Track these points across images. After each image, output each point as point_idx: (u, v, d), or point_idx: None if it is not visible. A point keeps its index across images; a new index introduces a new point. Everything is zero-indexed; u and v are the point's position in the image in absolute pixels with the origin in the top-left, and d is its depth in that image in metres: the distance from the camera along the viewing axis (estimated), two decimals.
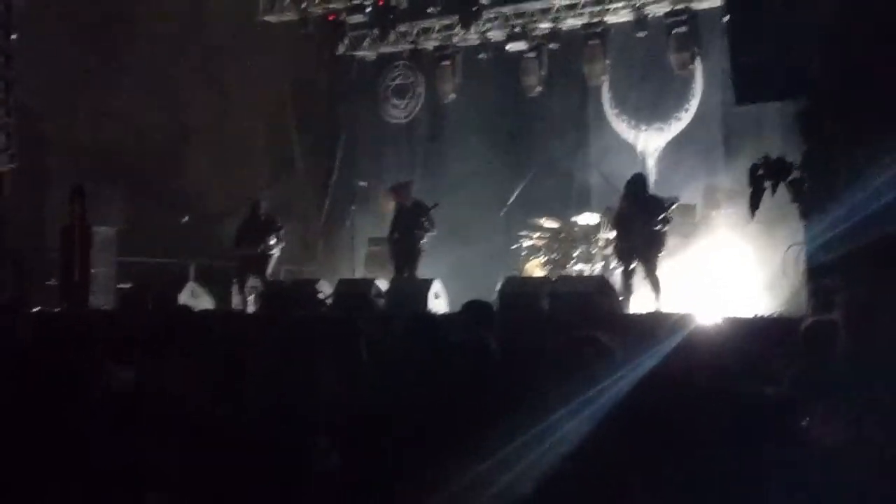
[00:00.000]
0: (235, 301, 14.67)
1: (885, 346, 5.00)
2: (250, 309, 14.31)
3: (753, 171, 5.71)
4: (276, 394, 5.78)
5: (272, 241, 14.72)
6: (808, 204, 5.53)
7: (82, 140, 16.72)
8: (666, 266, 12.81)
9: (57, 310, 14.28)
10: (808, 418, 4.69)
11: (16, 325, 6.88)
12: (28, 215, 16.02)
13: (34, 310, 13.25)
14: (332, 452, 5.28)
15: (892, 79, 5.56)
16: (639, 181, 12.85)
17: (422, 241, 14.23)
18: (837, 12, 5.85)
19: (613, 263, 13.73)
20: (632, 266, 12.55)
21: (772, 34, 6.73)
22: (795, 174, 5.50)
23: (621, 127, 17.37)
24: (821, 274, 6.11)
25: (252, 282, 14.69)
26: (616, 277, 13.17)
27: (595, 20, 17.29)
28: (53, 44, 15.90)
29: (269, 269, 14.84)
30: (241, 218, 15.03)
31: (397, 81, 19.81)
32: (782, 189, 6.55)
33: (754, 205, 5.76)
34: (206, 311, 12.66)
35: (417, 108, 19.56)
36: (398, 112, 19.77)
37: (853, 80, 5.71)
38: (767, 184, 5.65)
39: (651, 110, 17.06)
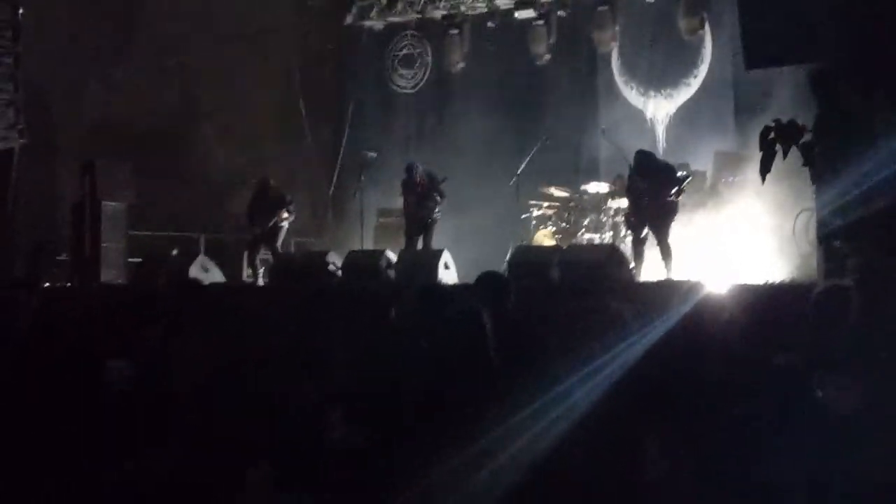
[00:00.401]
0: (246, 274, 14.71)
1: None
2: (261, 282, 14.34)
3: (765, 134, 5.67)
4: (286, 366, 5.80)
5: (284, 215, 14.74)
6: (820, 168, 5.49)
7: (92, 115, 16.72)
8: (677, 234, 12.79)
9: (68, 284, 14.34)
10: (821, 389, 4.69)
11: (31, 301, 6.92)
12: (39, 191, 16.03)
13: (45, 285, 13.35)
14: (344, 425, 5.31)
15: None
16: (643, 160, 12.71)
17: (436, 212, 14.22)
18: None
19: (624, 232, 13.70)
20: (643, 234, 12.51)
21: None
22: (807, 137, 5.45)
23: (630, 94, 17.29)
24: (832, 239, 6.08)
25: (262, 254, 14.73)
26: (627, 246, 13.14)
27: None
28: (62, 19, 15.87)
29: (279, 242, 14.86)
30: (250, 195, 15.03)
31: (404, 51, 19.74)
32: (794, 154, 6.49)
33: (765, 168, 5.71)
34: (216, 285, 12.71)
35: (425, 78, 19.50)
36: (405, 82, 19.71)
37: (867, 45, 5.66)
38: (779, 147, 5.60)
39: (660, 76, 16.96)
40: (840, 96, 5.43)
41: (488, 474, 4.60)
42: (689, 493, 4.76)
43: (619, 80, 17.44)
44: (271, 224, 14.63)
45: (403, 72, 19.71)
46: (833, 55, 5.73)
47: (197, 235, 16.60)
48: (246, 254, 14.83)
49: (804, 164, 5.52)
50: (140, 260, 14.94)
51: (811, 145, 5.43)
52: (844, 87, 5.47)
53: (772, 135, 5.62)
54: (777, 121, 5.65)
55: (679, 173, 12.73)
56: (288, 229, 15.10)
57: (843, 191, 5.43)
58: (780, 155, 5.63)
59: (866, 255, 5.49)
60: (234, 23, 17.78)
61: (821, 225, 6.05)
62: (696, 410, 4.96)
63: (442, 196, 14.20)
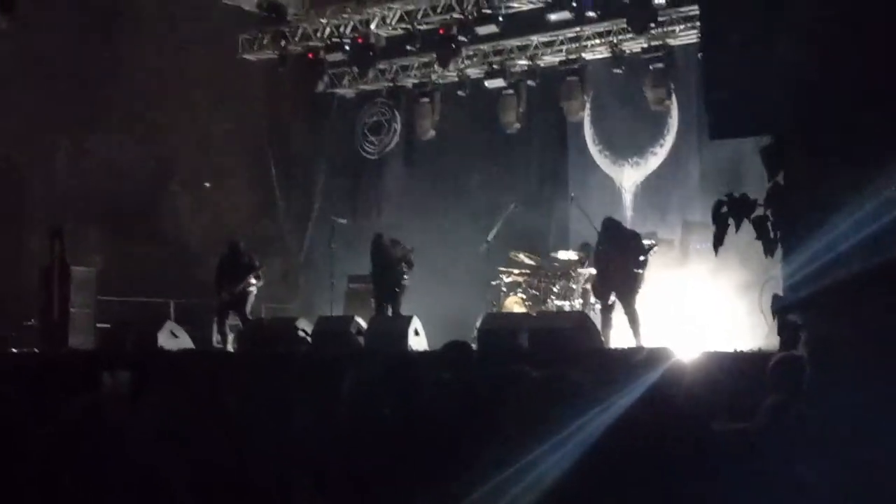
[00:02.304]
0: (216, 340, 14.58)
1: (847, 380, 5.03)
2: (230, 347, 14.26)
3: (717, 207, 5.76)
4: (253, 433, 5.77)
5: (252, 281, 14.67)
6: (773, 242, 5.57)
7: (62, 181, 16.71)
8: (647, 300, 12.87)
9: (35, 350, 14.22)
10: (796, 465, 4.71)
11: None
12: (7, 256, 15.96)
13: (12, 350, 13.23)
14: (315, 493, 5.28)
15: (854, 120, 5.64)
16: (611, 226, 12.87)
17: (404, 278, 14.25)
18: (791, 48, 5.93)
19: (593, 299, 13.77)
20: (610, 302, 12.59)
21: (744, 71, 6.80)
22: (759, 211, 5.55)
23: (604, 162, 17.49)
24: (786, 311, 6.16)
25: (231, 320, 14.64)
26: (596, 313, 13.20)
27: (573, 56, 17.46)
28: (32, 85, 15.91)
29: (248, 308, 14.78)
30: (219, 258, 14.95)
31: (374, 118, 19.92)
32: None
33: (718, 241, 5.79)
34: (185, 351, 12.65)
35: (392, 144, 19.67)
36: (373, 148, 19.87)
37: (816, 120, 5.78)
38: (731, 221, 5.69)
39: (628, 145, 17.19)
40: (788, 170, 5.54)
41: None
42: None
43: (592, 148, 17.65)
44: (240, 289, 14.54)
45: (372, 138, 19.88)
46: (783, 128, 5.85)
47: (167, 301, 16.53)
48: (215, 319, 14.73)
49: (756, 238, 5.60)
50: (108, 325, 14.86)
51: (763, 219, 5.52)
52: (795, 159, 5.58)
53: (724, 208, 5.71)
54: (729, 195, 5.75)
55: (646, 242, 12.85)
56: (258, 294, 15.03)
57: (799, 264, 5.52)
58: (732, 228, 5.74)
59: (819, 328, 5.56)
60: (207, 89, 17.89)
61: (775, 298, 6.13)
62: (659, 479, 4.95)
63: (410, 265, 14.24)
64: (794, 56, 5.88)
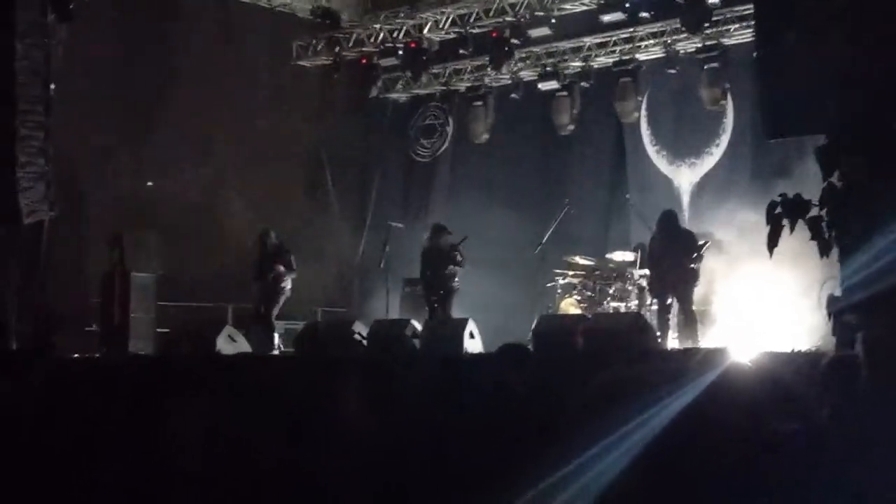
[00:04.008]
0: (255, 340, 14.37)
1: None
2: (276, 350, 14.27)
3: (771, 208, 5.70)
4: (309, 436, 5.82)
5: (281, 269, 14.45)
6: (827, 242, 5.51)
7: (120, 187, 16.93)
8: (702, 300, 12.79)
9: (97, 355, 14.40)
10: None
11: (31, 374, 6.95)
12: (68, 263, 16.19)
13: (73, 355, 13.41)
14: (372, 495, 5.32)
15: None
16: (670, 218, 12.88)
17: (454, 280, 14.23)
18: (849, 50, 5.87)
19: (649, 300, 13.70)
20: (667, 302, 12.52)
21: (799, 70, 6.74)
22: (814, 211, 5.48)
23: (661, 163, 17.39)
24: (843, 312, 6.08)
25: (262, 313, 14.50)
26: (652, 314, 13.13)
27: (626, 58, 17.38)
28: (91, 93, 16.14)
29: (276, 309, 14.55)
30: (253, 254, 14.83)
31: (427, 122, 19.98)
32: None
33: (772, 243, 5.73)
34: (242, 354, 12.76)
35: (444, 148, 19.71)
36: (425, 151, 19.93)
37: (872, 119, 5.71)
38: (786, 222, 5.63)
39: (684, 146, 17.08)
40: (847, 168, 5.46)
41: None
42: None
43: (650, 148, 17.55)
44: (271, 278, 14.44)
45: (424, 141, 19.94)
46: (838, 128, 5.78)
47: (224, 306, 16.68)
48: (252, 317, 14.63)
49: (811, 239, 5.54)
50: (168, 330, 15.02)
51: (817, 220, 5.45)
52: (851, 160, 5.51)
53: (778, 209, 5.65)
54: (783, 195, 5.69)
55: (700, 239, 12.79)
56: (313, 298, 15.01)
57: (858, 266, 5.45)
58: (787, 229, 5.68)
59: (873, 328, 5.49)
60: (262, 96, 18.05)
61: (832, 299, 6.05)
62: (717, 479, 4.93)
63: (463, 259, 14.17)
64: (851, 55, 5.82)
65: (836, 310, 6.16)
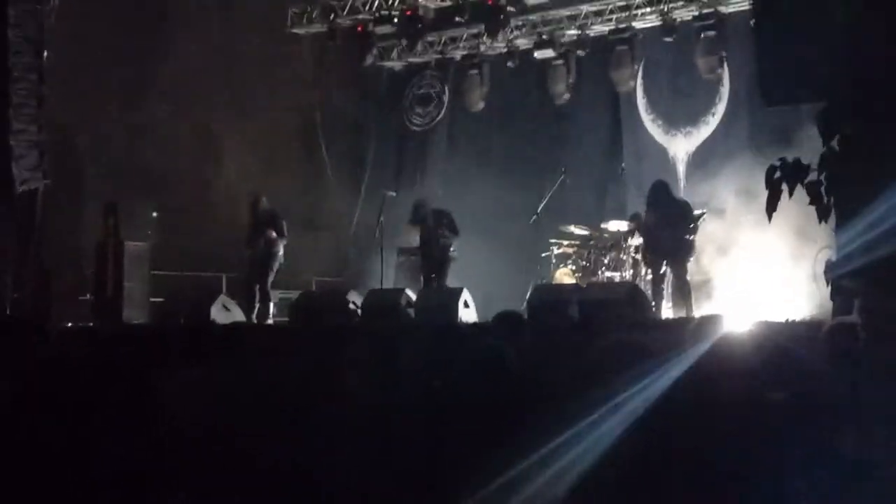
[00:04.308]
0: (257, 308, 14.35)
1: None
2: (270, 320, 14.28)
3: (770, 173, 5.66)
4: (305, 405, 5.81)
5: (273, 236, 14.40)
6: (826, 207, 5.48)
7: (115, 156, 16.86)
8: (698, 270, 12.79)
9: (90, 325, 14.40)
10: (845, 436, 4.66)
11: (33, 341, 6.93)
12: (62, 232, 16.16)
13: (67, 325, 13.41)
14: (366, 465, 5.32)
15: None
16: (660, 188, 12.81)
17: (450, 250, 14.24)
18: (851, 15, 5.82)
19: (643, 270, 13.70)
20: (661, 271, 12.52)
21: (798, 37, 6.70)
22: (812, 176, 5.45)
23: (657, 132, 17.34)
24: (841, 278, 6.07)
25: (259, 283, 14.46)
26: (646, 284, 13.14)
27: (622, 26, 17.30)
28: (85, 61, 16.05)
29: (271, 276, 14.51)
30: (246, 220, 14.83)
31: (422, 90, 19.91)
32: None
33: (771, 208, 5.69)
34: (236, 324, 12.75)
35: (439, 117, 19.66)
36: (420, 120, 19.88)
37: (872, 85, 5.68)
38: (784, 186, 5.59)
39: (680, 115, 17.03)
40: (843, 135, 5.43)
41: None
42: None
43: (645, 117, 17.49)
44: (263, 244, 14.39)
45: (419, 110, 19.88)
46: (838, 93, 5.75)
47: (218, 275, 16.66)
48: (246, 286, 14.61)
49: (809, 203, 5.51)
50: (162, 299, 15.01)
51: (816, 184, 5.42)
52: (851, 126, 5.48)
53: (777, 174, 5.62)
54: (782, 160, 5.65)
55: (695, 209, 12.77)
56: (309, 268, 14.99)
57: (856, 232, 5.43)
58: (787, 194, 5.64)
59: (874, 295, 5.48)
60: (255, 63, 17.96)
61: (830, 264, 6.05)
62: (714, 445, 4.93)
63: (455, 233, 14.18)
64: (851, 21, 5.78)
65: (835, 276, 6.15)
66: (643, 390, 5.03)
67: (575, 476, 4.60)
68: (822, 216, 5.56)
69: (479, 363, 5.48)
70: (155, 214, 15.78)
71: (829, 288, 6.87)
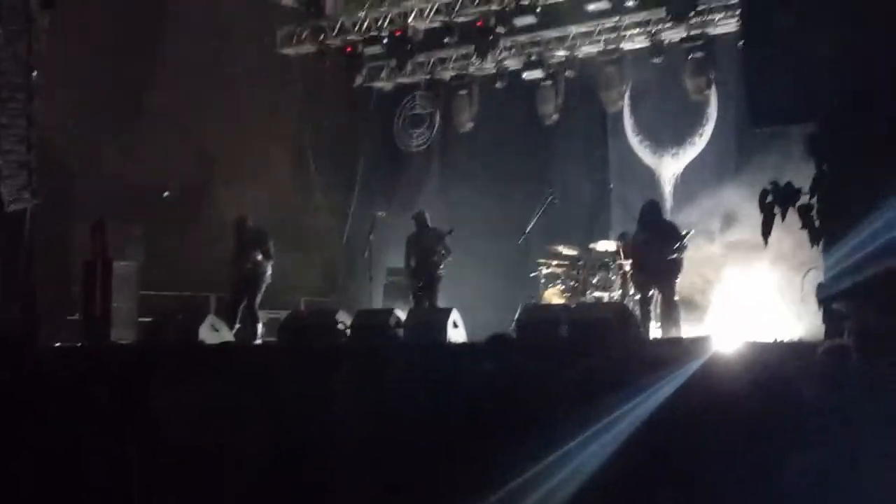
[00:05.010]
0: (242, 328, 14.26)
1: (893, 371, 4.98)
2: (259, 339, 14.23)
3: (763, 197, 5.69)
4: (293, 423, 5.81)
5: (259, 258, 14.30)
6: (818, 230, 5.51)
7: (105, 176, 16.84)
8: (687, 291, 12.81)
9: (78, 344, 14.34)
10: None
11: (21, 360, 6.92)
12: (51, 251, 16.10)
13: (55, 344, 13.35)
14: (355, 481, 5.32)
15: None
16: (653, 208, 12.90)
17: (440, 269, 14.25)
18: (841, 38, 5.87)
19: (632, 290, 13.72)
20: (649, 293, 12.54)
21: (786, 60, 6.75)
22: (804, 200, 5.47)
23: (644, 153, 17.42)
24: (832, 300, 6.10)
25: (245, 303, 14.40)
26: (635, 304, 13.15)
27: (611, 47, 17.40)
28: (76, 81, 16.05)
29: (259, 296, 14.39)
30: (232, 241, 14.71)
31: (414, 111, 19.97)
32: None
33: (766, 232, 5.73)
34: (224, 344, 12.72)
35: (433, 137, 19.70)
36: (413, 141, 19.92)
37: (861, 107, 5.72)
38: (777, 210, 5.62)
39: (667, 136, 17.11)
40: (833, 157, 5.46)
41: None
42: None
43: (632, 138, 17.58)
44: (249, 266, 14.32)
45: (412, 131, 19.94)
46: (828, 116, 5.79)
47: (207, 296, 16.62)
48: (231, 308, 14.56)
49: (801, 227, 5.54)
50: (150, 319, 14.95)
51: (808, 207, 5.45)
52: (840, 148, 5.51)
53: (770, 198, 5.64)
54: (774, 183, 5.68)
55: (682, 229, 12.82)
56: (297, 286, 14.96)
57: (843, 253, 5.45)
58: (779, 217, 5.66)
59: (864, 317, 5.50)
60: (247, 85, 17.99)
61: (820, 287, 6.06)
62: (701, 465, 4.95)
63: (449, 251, 14.22)
64: (841, 44, 5.83)
65: (824, 297, 6.17)
66: (633, 410, 5.04)
67: (565, 496, 4.61)
68: (814, 240, 5.59)
69: (468, 385, 5.49)
70: (137, 234, 15.76)
71: (821, 310, 6.90)
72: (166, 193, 16.25)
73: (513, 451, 4.87)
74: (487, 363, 5.45)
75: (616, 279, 14.73)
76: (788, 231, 5.95)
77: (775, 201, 5.63)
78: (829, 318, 6.79)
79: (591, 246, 15.48)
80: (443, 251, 14.20)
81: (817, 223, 5.51)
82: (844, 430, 4.83)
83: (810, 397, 5.29)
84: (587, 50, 17.84)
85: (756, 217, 11.31)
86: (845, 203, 5.49)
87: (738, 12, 14.10)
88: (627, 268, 13.90)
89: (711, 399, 5.49)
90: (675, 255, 12.34)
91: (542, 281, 15.61)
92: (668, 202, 16.55)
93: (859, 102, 5.68)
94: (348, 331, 12.83)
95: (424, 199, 19.10)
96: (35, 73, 14.49)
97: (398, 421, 5.63)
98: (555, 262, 15.64)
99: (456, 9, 17.55)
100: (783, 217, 5.64)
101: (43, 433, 5.55)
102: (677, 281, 12.43)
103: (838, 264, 5.63)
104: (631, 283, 13.54)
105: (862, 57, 5.94)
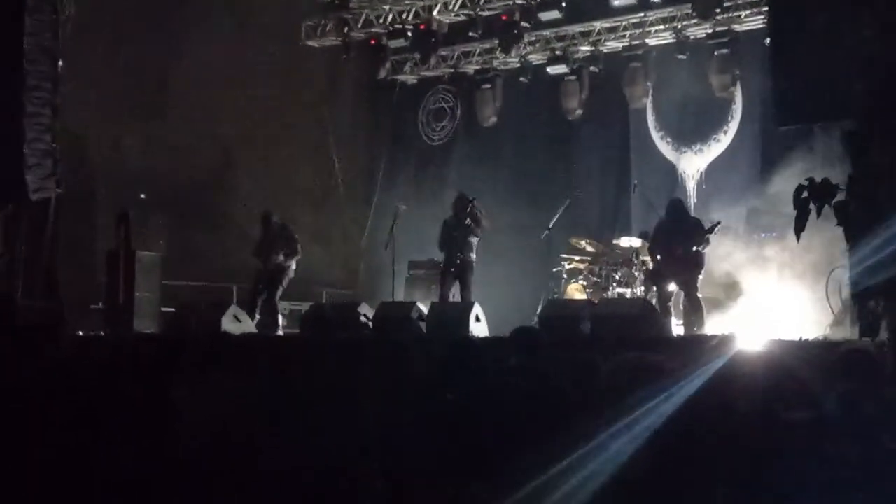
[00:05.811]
0: (261, 320, 14.27)
1: None
2: (280, 331, 14.25)
3: (798, 192, 5.65)
4: (318, 417, 5.81)
5: (282, 255, 14.36)
6: (854, 227, 5.46)
7: (128, 167, 16.93)
8: (709, 289, 12.77)
9: (101, 333, 14.42)
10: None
11: (45, 348, 6.95)
12: (75, 240, 16.19)
13: (78, 333, 13.42)
14: (381, 477, 5.31)
15: None
16: (678, 205, 12.87)
17: (472, 252, 13.89)
18: (880, 36, 5.82)
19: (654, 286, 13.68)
20: (670, 289, 12.51)
21: (814, 57, 6.71)
22: (840, 197, 5.43)
23: (666, 149, 17.36)
24: (866, 298, 6.04)
25: (265, 297, 14.41)
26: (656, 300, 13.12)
27: (636, 42, 17.33)
28: (101, 72, 16.12)
29: (280, 290, 14.47)
30: (258, 236, 14.79)
31: (436, 105, 19.95)
32: (828, 211, 6.45)
33: (800, 227, 5.69)
34: (247, 335, 12.76)
35: (454, 131, 19.69)
36: (435, 135, 19.91)
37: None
38: (812, 206, 5.58)
39: (691, 132, 17.04)
40: (872, 155, 5.41)
41: None
42: None
43: (654, 134, 17.52)
44: (274, 261, 14.34)
45: (434, 124, 19.92)
46: (864, 113, 5.74)
47: (230, 286, 16.68)
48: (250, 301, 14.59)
49: (837, 224, 5.49)
50: (173, 309, 15.02)
51: (844, 204, 5.41)
52: (877, 146, 5.46)
53: (805, 193, 5.60)
54: (810, 179, 5.64)
55: (709, 223, 12.76)
56: (318, 280, 14.99)
57: (878, 250, 5.40)
58: (813, 213, 5.61)
59: None
60: (270, 76, 18.02)
61: (854, 284, 6.00)
62: (725, 466, 4.92)
63: (478, 222, 13.95)
64: (876, 41, 5.78)
65: (859, 295, 6.12)
66: (657, 408, 5.02)
67: (588, 494, 4.59)
68: (850, 237, 5.55)
69: (492, 380, 5.48)
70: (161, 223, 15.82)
71: (855, 309, 6.83)
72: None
73: (537, 447, 4.85)
74: (513, 358, 5.42)
75: (638, 275, 14.70)
76: (817, 228, 5.92)
77: (811, 197, 5.59)
78: (863, 315, 6.72)
79: (615, 242, 15.46)
80: (474, 221, 13.80)
81: (853, 221, 5.47)
82: (866, 433, 4.80)
83: (832, 396, 5.27)
84: (612, 45, 17.78)
85: (780, 215, 11.29)
86: (879, 200, 5.44)
87: (764, 9, 14.05)
88: (651, 265, 13.87)
89: (737, 396, 5.45)
90: (697, 249, 12.28)
91: (565, 276, 15.60)
92: (692, 199, 16.49)
93: (892, 98, 5.64)
94: (371, 323, 12.87)
95: (446, 193, 19.09)
96: (61, 63, 14.55)
97: (420, 413, 5.62)
98: (577, 258, 15.63)
99: (481, 2, 17.54)
100: (818, 213, 5.60)
101: (65, 422, 5.57)
102: (700, 277, 12.38)
103: (867, 260, 5.59)
104: (650, 279, 13.50)
105: (892, 55, 5.90)
